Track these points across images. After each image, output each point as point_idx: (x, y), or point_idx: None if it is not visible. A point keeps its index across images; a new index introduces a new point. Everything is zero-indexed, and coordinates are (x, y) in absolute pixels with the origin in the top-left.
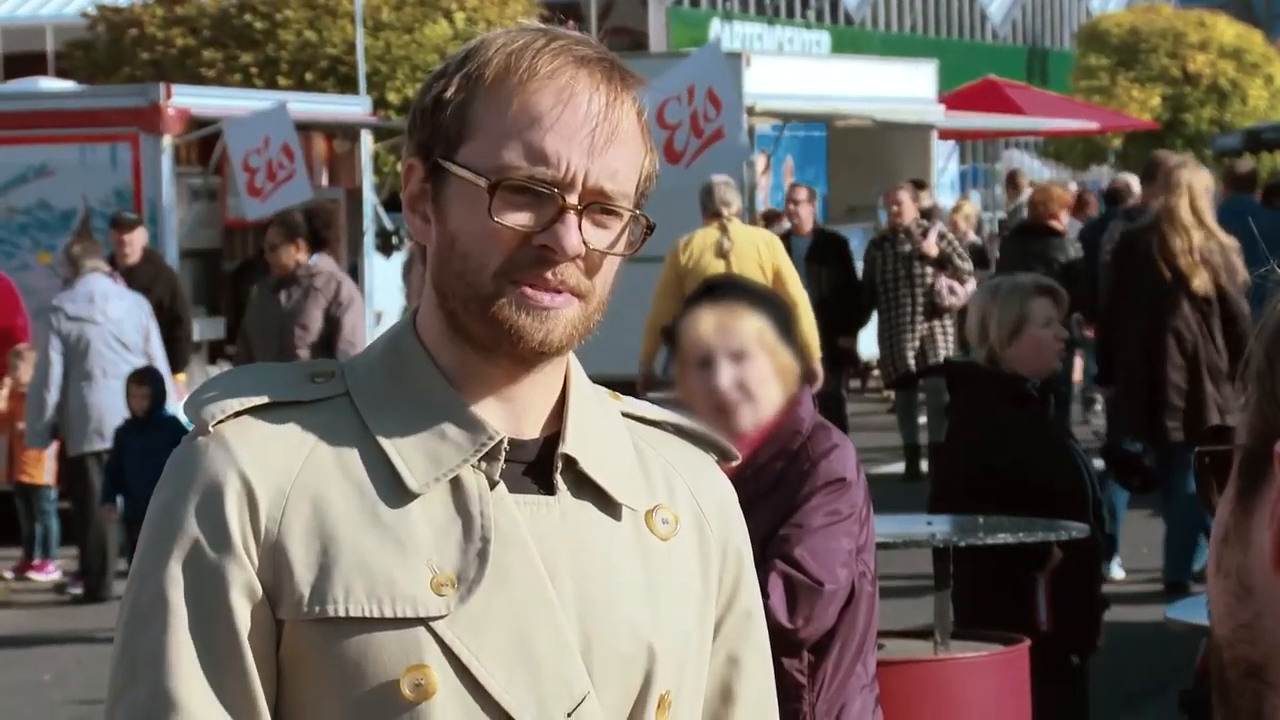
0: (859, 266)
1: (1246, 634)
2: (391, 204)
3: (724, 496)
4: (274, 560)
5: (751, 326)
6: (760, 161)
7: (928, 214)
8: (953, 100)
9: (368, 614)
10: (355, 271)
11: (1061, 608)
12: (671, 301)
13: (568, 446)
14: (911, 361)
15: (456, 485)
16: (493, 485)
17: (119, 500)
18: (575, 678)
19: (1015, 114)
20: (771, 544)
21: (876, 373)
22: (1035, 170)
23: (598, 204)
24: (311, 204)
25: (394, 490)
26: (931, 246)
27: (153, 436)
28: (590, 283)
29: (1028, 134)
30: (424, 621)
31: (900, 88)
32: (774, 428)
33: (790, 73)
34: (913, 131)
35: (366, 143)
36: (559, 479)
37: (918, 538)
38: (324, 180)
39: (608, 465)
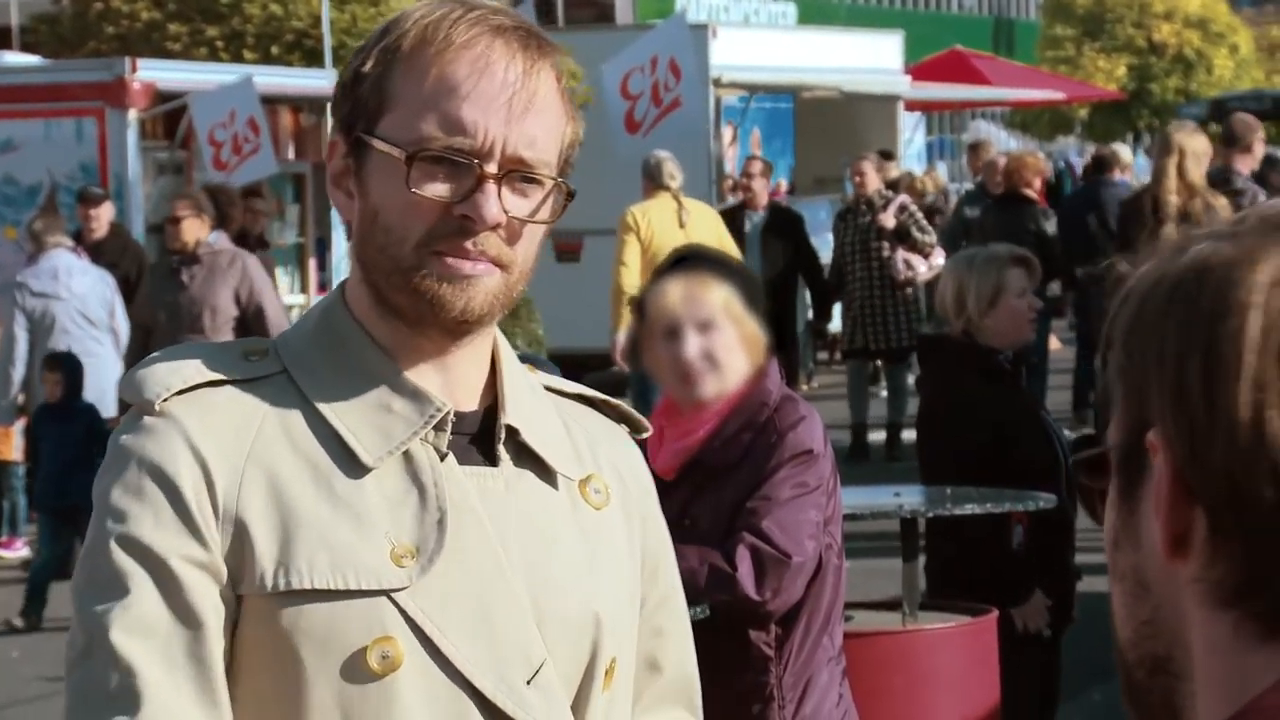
0: (824, 240)
1: (1149, 630)
2: None
3: (639, 469)
4: (234, 536)
5: (718, 296)
6: (727, 133)
7: (894, 185)
8: (919, 71)
9: (333, 586)
10: (323, 245)
11: (1036, 569)
12: (637, 269)
13: (509, 417)
14: (869, 339)
15: (407, 457)
16: (442, 457)
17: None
18: (533, 645)
19: (982, 84)
20: (739, 516)
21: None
22: (1002, 141)
23: (517, 172)
24: (211, 184)
25: (347, 464)
26: (889, 219)
27: (68, 427)
28: (512, 252)
29: (994, 104)
30: (386, 593)
31: (867, 59)
32: (741, 399)
33: (757, 44)
34: (879, 102)
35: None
36: (501, 449)
37: (885, 509)
38: (290, 154)
39: (544, 436)
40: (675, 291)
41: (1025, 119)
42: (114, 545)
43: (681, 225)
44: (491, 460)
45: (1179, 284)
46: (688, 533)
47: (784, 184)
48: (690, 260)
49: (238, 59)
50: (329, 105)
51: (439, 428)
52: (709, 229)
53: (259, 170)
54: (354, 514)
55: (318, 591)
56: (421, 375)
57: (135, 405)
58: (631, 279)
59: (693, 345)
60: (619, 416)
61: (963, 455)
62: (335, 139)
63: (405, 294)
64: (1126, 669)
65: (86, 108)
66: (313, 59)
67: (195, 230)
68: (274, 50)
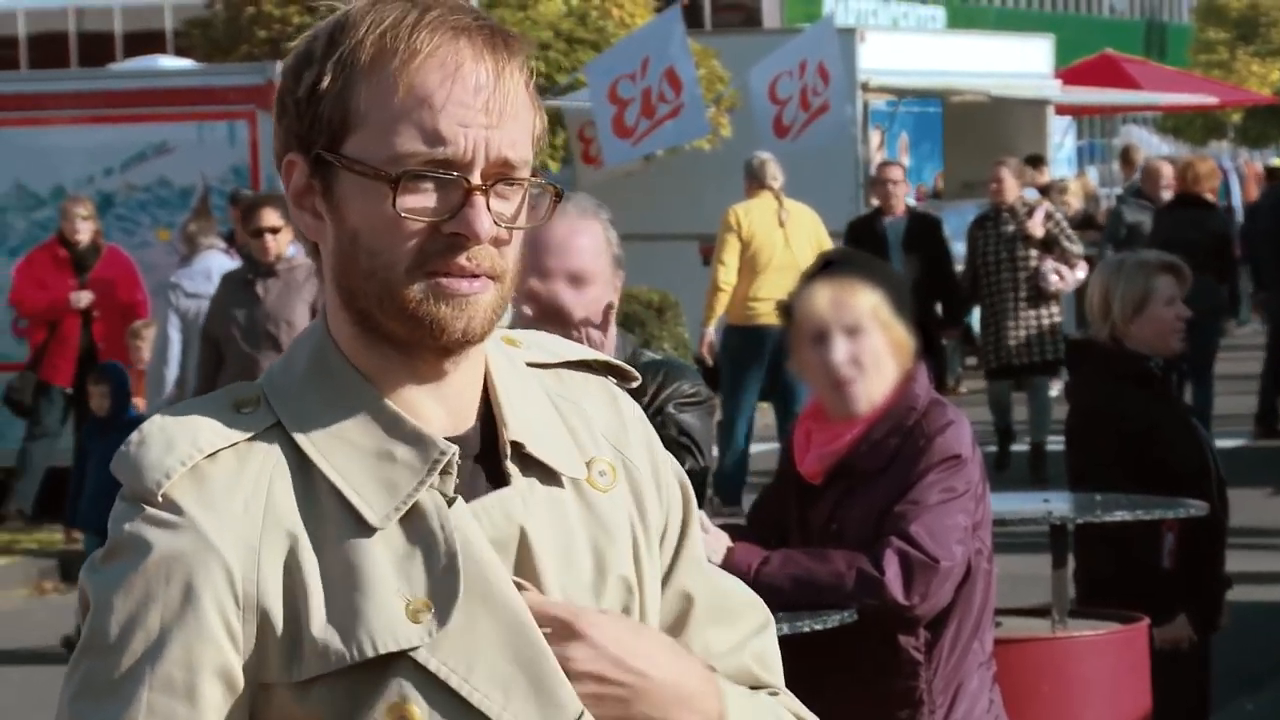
0: (960, 248)
1: None
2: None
3: (634, 424)
4: (257, 625)
5: (866, 301)
6: (875, 138)
7: (1045, 190)
8: (1069, 75)
9: (351, 659)
10: None
11: (1184, 587)
12: (735, 267)
13: (512, 433)
14: (1013, 353)
15: (414, 509)
16: (450, 501)
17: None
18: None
19: (1133, 89)
20: (887, 521)
21: None
22: (1154, 146)
23: (502, 179)
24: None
25: (353, 526)
26: (1037, 227)
27: (115, 441)
28: (504, 261)
29: (1145, 109)
30: (406, 653)
31: (1016, 63)
32: (889, 404)
33: (905, 48)
34: (1029, 107)
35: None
36: (509, 466)
37: (1035, 515)
38: None
39: (546, 439)
40: (823, 296)
41: (1177, 124)
42: (117, 648)
43: (781, 224)
44: (497, 476)
45: None
46: (835, 537)
47: (924, 188)
48: (838, 264)
49: None
50: None
51: (444, 470)
52: (807, 229)
53: (683, 134)
54: (365, 576)
55: (338, 672)
56: (416, 404)
57: (133, 491)
58: (729, 277)
59: (841, 350)
60: (603, 369)
61: (1111, 461)
62: (293, 157)
63: (400, 320)
64: None
65: (238, 111)
66: None
67: (284, 242)
68: None
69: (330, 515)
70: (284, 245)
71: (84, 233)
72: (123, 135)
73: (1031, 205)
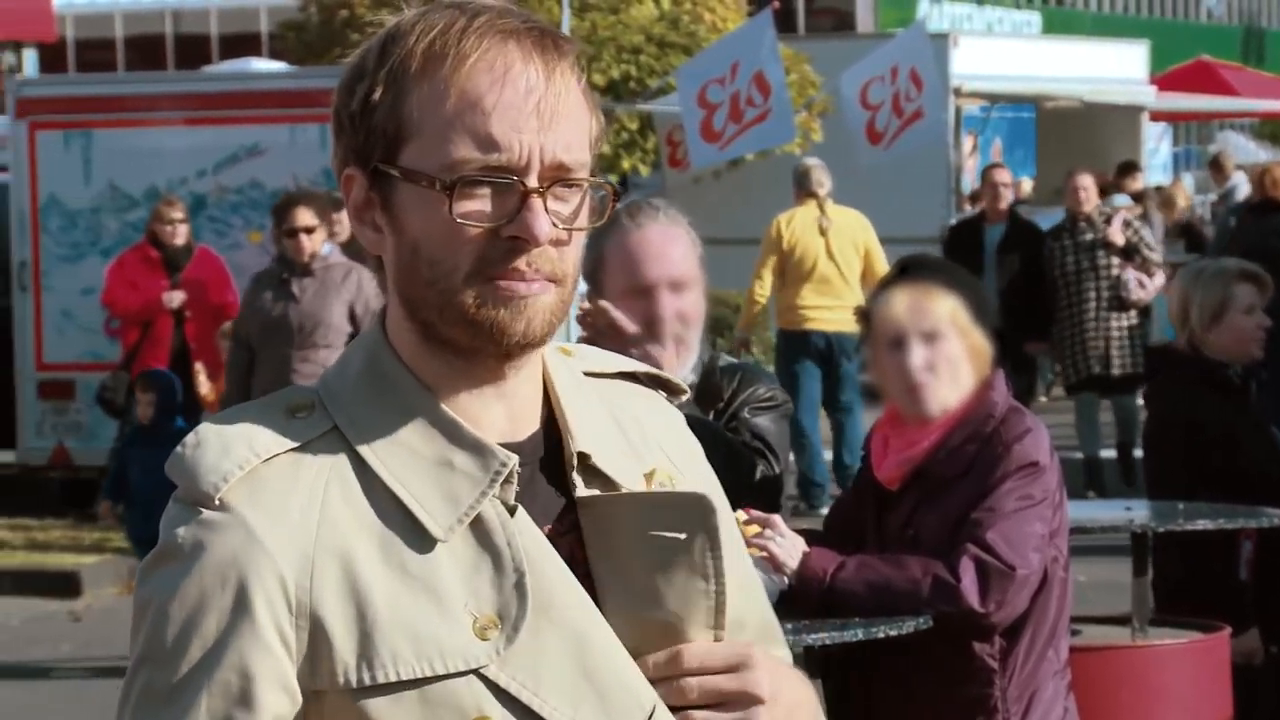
0: None
1: None
2: (622, 183)
3: (682, 435)
4: (311, 633)
5: (944, 307)
6: (968, 143)
7: (1139, 197)
8: (1165, 81)
9: (419, 675)
10: None
11: (1263, 596)
12: (770, 278)
13: (579, 444)
14: (1094, 364)
15: (476, 521)
16: (511, 511)
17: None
18: (642, 691)
19: (1229, 95)
20: (963, 528)
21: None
22: (1250, 152)
23: (559, 181)
24: (320, 190)
25: (415, 536)
26: (1117, 234)
27: (159, 451)
28: (564, 264)
29: (1242, 115)
30: (475, 671)
31: (1110, 68)
32: (967, 410)
33: (998, 53)
34: (1123, 113)
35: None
36: (577, 478)
37: (1116, 523)
38: None
39: (609, 450)
40: (900, 301)
41: (1275, 130)
42: (171, 659)
43: (822, 232)
44: (561, 485)
45: None
46: (911, 543)
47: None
48: (916, 269)
49: None
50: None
51: (506, 480)
52: (852, 235)
53: (769, 139)
54: (430, 591)
55: (403, 682)
56: (479, 410)
57: (189, 495)
58: (762, 290)
59: (917, 356)
60: (655, 384)
61: (1187, 467)
62: (351, 172)
63: (461, 326)
64: None
65: (330, 113)
66: None
67: (320, 242)
68: None
69: (390, 523)
70: (319, 244)
71: (177, 234)
72: (215, 137)
73: (1109, 213)
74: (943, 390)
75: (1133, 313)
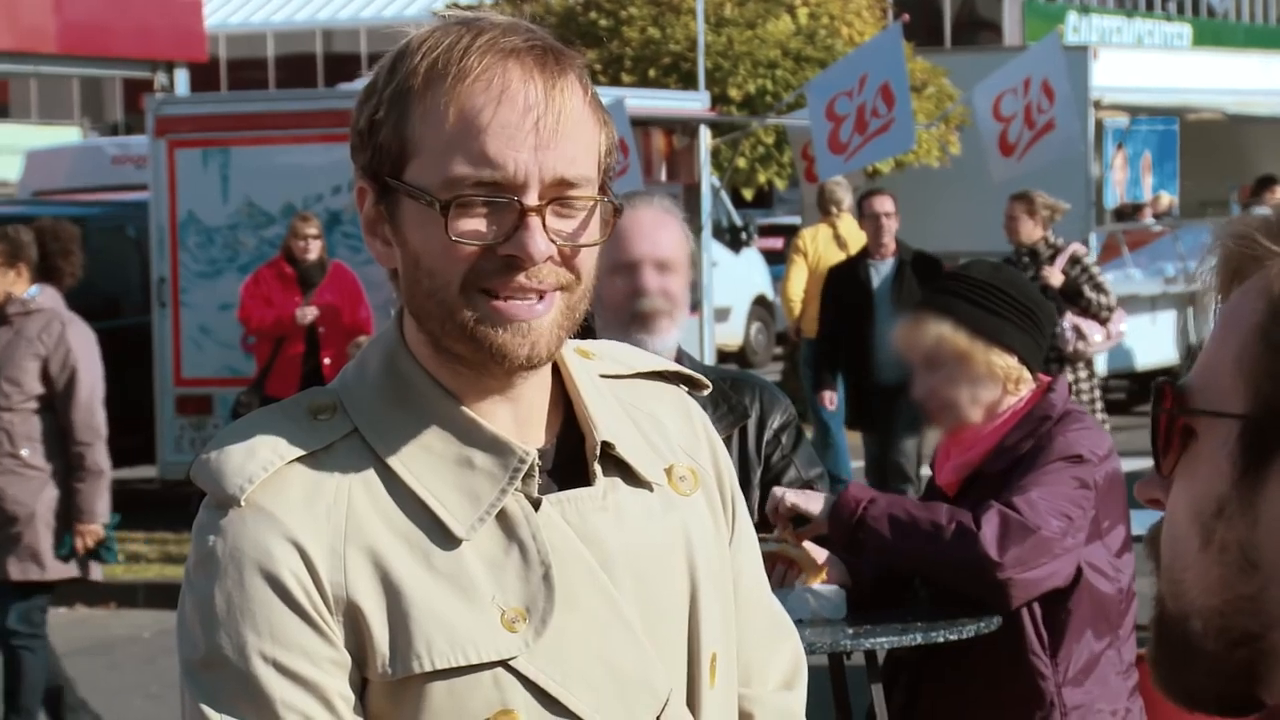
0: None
1: (1248, 606)
2: (738, 200)
3: (704, 435)
4: (349, 623)
5: (930, 334)
6: (1118, 157)
7: None
8: None
9: (453, 664)
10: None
11: None
12: (800, 289)
13: (602, 433)
14: None
15: (500, 515)
16: (535, 504)
17: None
18: (657, 678)
19: None
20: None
21: None
22: None
23: (559, 198)
24: (44, 222)
25: (439, 534)
26: (1054, 274)
27: None
28: (571, 274)
29: None
30: (504, 662)
31: (1255, 80)
32: (1022, 413)
33: (1140, 65)
34: (1268, 125)
35: (705, 138)
36: (596, 468)
37: None
38: (663, 175)
39: (629, 443)
40: (898, 334)
41: None
42: (232, 656)
43: (842, 246)
44: (582, 480)
45: None
46: None
47: (1163, 199)
48: (927, 298)
49: (615, 82)
50: (700, 126)
51: (527, 475)
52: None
53: (890, 149)
54: (458, 586)
55: (437, 672)
56: (492, 414)
57: (215, 498)
58: (794, 295)
59: (921, 383)
60: (674, 379)
61: None
62: (362, 185)
63: (463, 342)
64: (1195, 635)
65: None
66: (689, 81)
67: (6, 284)
68: (651, 73)
69: (415, 522)
70: (5, 288)
71: (311, 250)
72: (345, 154)
73: (1057, 247)
74: (960, 408)
75: (1080, 367)
